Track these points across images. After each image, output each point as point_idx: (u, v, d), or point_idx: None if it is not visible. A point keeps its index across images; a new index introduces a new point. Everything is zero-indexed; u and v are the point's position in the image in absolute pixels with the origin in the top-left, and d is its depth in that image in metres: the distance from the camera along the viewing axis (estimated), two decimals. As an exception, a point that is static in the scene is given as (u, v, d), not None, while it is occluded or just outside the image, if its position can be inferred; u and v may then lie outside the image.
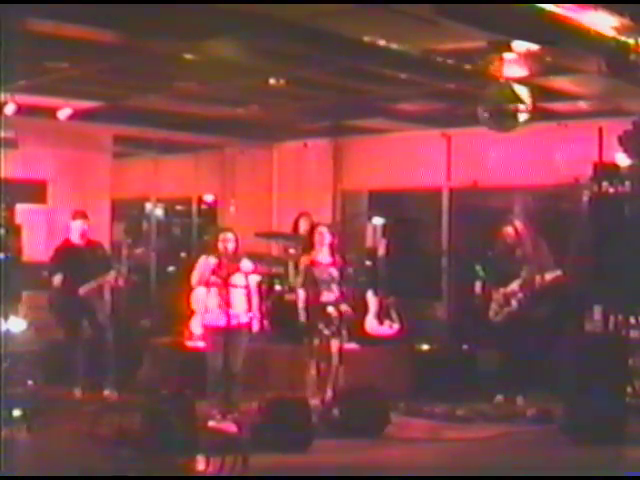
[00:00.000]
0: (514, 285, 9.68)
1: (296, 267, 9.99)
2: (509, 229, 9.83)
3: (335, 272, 8.91)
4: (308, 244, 9.14)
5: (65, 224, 10.16)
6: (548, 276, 9.59)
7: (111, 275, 10.06)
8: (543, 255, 9.72)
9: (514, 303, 9.67)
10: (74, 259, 9.73)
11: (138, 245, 13.56)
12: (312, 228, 9.35)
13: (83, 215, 9.99)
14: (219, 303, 8.40)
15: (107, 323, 9.91)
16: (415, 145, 12.80)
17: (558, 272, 9.59)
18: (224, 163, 14.38)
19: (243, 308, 8.50)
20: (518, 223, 9.87)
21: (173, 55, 8.38)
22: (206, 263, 8.52)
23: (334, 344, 8.80)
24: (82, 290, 9.63)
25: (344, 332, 8.89)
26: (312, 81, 9.60)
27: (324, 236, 8.98)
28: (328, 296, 8.82)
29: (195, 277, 8.54)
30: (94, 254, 9.90)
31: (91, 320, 9.80)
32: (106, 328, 9.84)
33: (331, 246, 8.97)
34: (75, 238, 9.91)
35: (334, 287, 8.86)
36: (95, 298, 9.80)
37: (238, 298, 8.47)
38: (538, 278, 9.58)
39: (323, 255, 8.97)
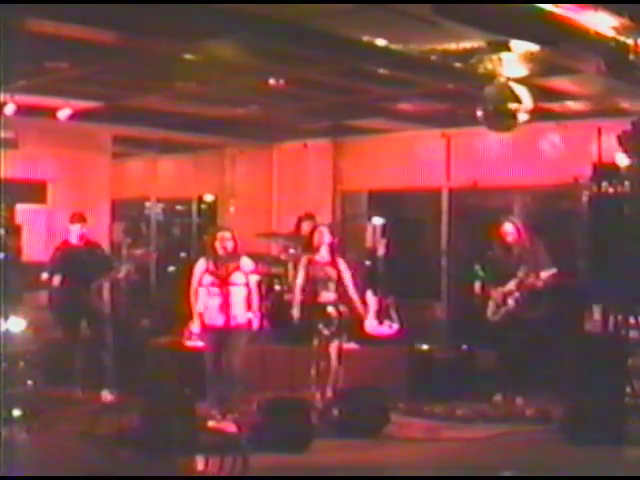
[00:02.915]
0: (511, 285, 9.68)
1: (295, 267, 10.01)
2: (507, 229, 9.83)
3: (332, 272, 8.92)
4: (308, 243, 9.15)
5: (64, 226, 10.15)
6: (543, 275, 9.59)
7: (120, 271, 10.05)
8: (541, 255, 9.72)
9: (511, 303, 9.68)
10: (73, 260, 9.73)
11: (138, 245, 13.56)
12: (313, 228, 9.37)
13: (81, 218, 9.98)
14: (217, 303, 8.41)
15: (106, 323, 9.91)
16: (415, 145, 12.82)
17: (553, 270, 9.59)
18: (224, 163, 14.39)
19: (242, 308, 8.50)
20: (516, 223, 9.87)
21: (173, 55, 8.38)
22: (201, 265, 8.54)
23: (336, 344, 8.81)
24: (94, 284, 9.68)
25: (344, 332, 8.91)
26: (312, 81, 9.60)
27: (323, 235, 8.99)
28: (326, 296, 8.82)
29: (193, 279, 8.56)
30: (93, 255, 9.91)
31: (90, 320, 9.81)
32: (105, 328, 9.84)
33: (330, 246, 8.98)
34: (74, 240, 9.92)
35: (332, 286, 8.87)
36: (95, 298, 9.80)
37: (237, 298, 8.48)
38: (533, 277, 9.58)
39: (321, 255, 8.97)
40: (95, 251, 10.03)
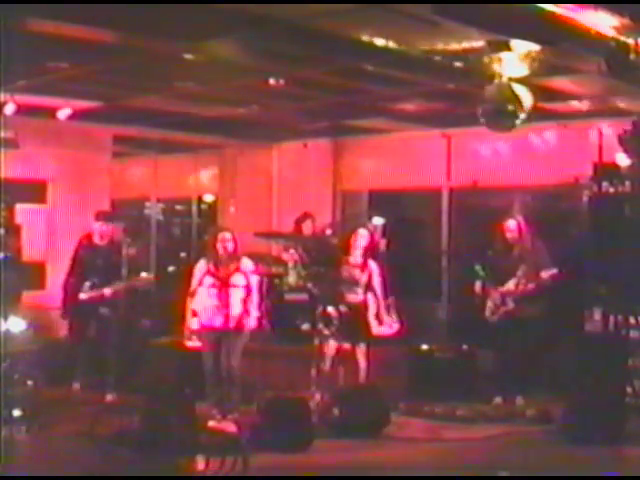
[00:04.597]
0: (510, 284, 9.67)
1: (304, 268, 10.08)
2: (508, 228, 9.82)
3: (360, 274, 8.97)
4: (345, 245, 9.21)
5: (64, 226, 10.11)
6: (544, 274, 9.59)
7: (141, 278, 9.94)
8: (541, 254, 9.72)
9: (510, 302, 9.67)
10: (93, 258, 9.66)
11: (138, 245, 13.55)
12: (353, 231, 9.39)
13: (104, 217, 9.89)
14: (217, 304, 8.40)
15: (116, 326, 9.84)
16: (415, 145, 12.81)
17: (554, 270, 9.58)
18: (224, 163, 14.40)
19: (242, 309, 8.50)
20: (517, 222, 9.87)
21: (173, 55, 8.37)
22: (202, 266, 8.54)
23: (362, 347, 8.89)
24: (107, 291, 9.59)
25: (344, 332, 8.93)
26: (312, 81, 9.60)
27: (363, 239, 9.04)
28: (351, 297, 8.88)
29: (193, 281, 8.55)
30: (113, 256, 9.75)
31: (100, 321, 9.74)
32: (114, 331, 9.78)
33: (365, 249, 9.04)
34: (96, 239, 9.81)
35: (357, 289, 8.92)
36: (113, 300, 9.73)
37: (237, 299, 8.47)
38: (534, 277, 9.58)
39: (355, 257, 9.02)
40: (116, 253, 9.82)
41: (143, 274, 10.36)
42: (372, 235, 9.22)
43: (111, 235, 9.87)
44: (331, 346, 8.86)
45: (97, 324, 9.74)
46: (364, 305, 9.08)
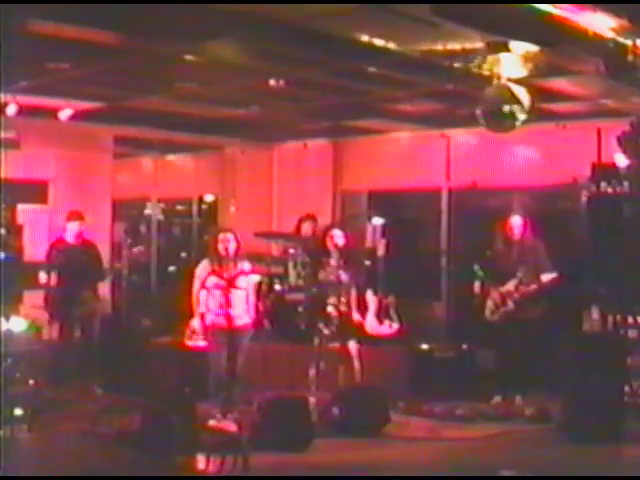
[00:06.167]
0: (510, 285, 9.68)
1: (304, 268, 10.05)
2: (513, 224, 9.82)
3: (344, 275, 8.95)
4: (320, 246, 9.15)
5: (62, 224, 10.21)
6: (544, 277, 9.59)
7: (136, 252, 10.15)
8: (541, 255, 9.73)
9: (510, 303, 9.68)
10: (69, 259, 9.78)
11: (138, 245, 13.60)
12: (325, 230, 9.34)
13: (79, 216, 10.04)
14: (222, 304, 8.41)
15: (98, 322, 9.96)
16: (415, 145, 12.83)
17: (554, 274, 9.58)
18: (224, 163, 14.41)
19: (248, 308, 8.53)
20: (517, 222, 9.87)
21: (174, 56, 8.40)
22: (205, 266, 8.55)
23: (355, 346, 8.86)
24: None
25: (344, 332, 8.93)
26: (312, 82, 9.62)
27: (337, 239, 9.00)
28: (335, 298, 8.85)
29: (196, 281, 8.57)
30: (88, 255, 9.95)
31: (84, 320, 9.84)
32: (99, 328, 9.88)
33: (343, 249, 8.99)
34: (70, 238, 9.99)
35: (342, 289, 8.91)
36: (90, 298, 9.85)
37: (240, 299, 8.50)
38: (534, 278, 9.59)
39: (334, 258, 8.98)
40: (90, 251, 10.07)
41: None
42: (347, 235, 9.15)
43: (83, 235, 10.14)
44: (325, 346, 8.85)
45: (84, 321, 9.84)
46: (349, 305, 9.02)
